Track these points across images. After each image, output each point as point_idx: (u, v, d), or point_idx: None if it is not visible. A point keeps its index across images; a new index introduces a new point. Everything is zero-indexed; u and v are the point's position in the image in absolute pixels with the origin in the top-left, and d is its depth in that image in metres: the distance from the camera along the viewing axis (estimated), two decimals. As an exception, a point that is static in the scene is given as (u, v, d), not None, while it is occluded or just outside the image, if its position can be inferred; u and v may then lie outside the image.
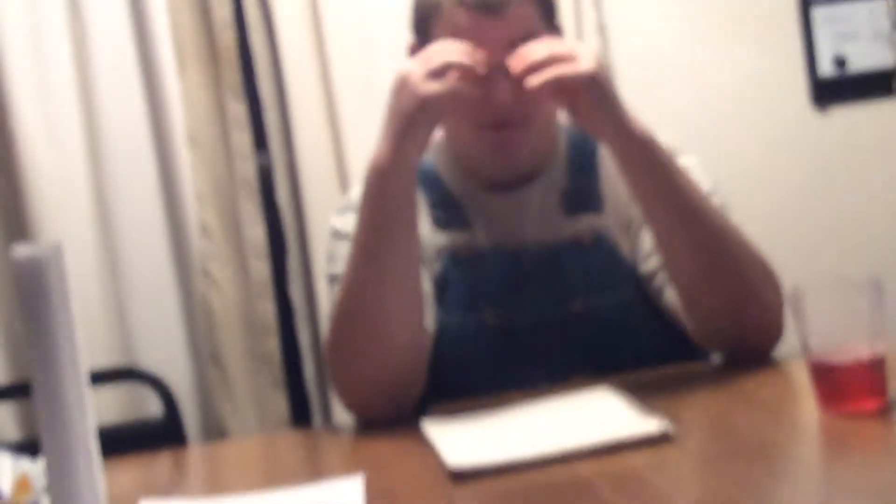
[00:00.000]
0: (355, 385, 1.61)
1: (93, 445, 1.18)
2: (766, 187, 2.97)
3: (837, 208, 2.98)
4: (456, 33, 1.61)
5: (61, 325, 1.14)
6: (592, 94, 1.54)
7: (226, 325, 2.73)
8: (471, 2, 1.61)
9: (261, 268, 2.76)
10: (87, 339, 2.64)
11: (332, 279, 1.72)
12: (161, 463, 1.68)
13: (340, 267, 1.68)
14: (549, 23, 1.69)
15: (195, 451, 1.87)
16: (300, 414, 2.83)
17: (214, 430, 2.75)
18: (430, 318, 1.65)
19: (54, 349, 1.14)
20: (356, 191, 1.80)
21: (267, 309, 2.76)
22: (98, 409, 2.58)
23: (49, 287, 1.13)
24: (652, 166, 1.58)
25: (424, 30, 1.69)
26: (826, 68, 2.95)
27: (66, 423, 1.16)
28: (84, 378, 1.17)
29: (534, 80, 1.52)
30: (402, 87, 1.55)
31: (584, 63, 1.52)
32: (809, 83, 2.96)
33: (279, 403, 2.77)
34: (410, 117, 1.53)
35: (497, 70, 1.59)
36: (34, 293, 1.13)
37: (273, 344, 2.76)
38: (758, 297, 1.60)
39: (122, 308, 2.71)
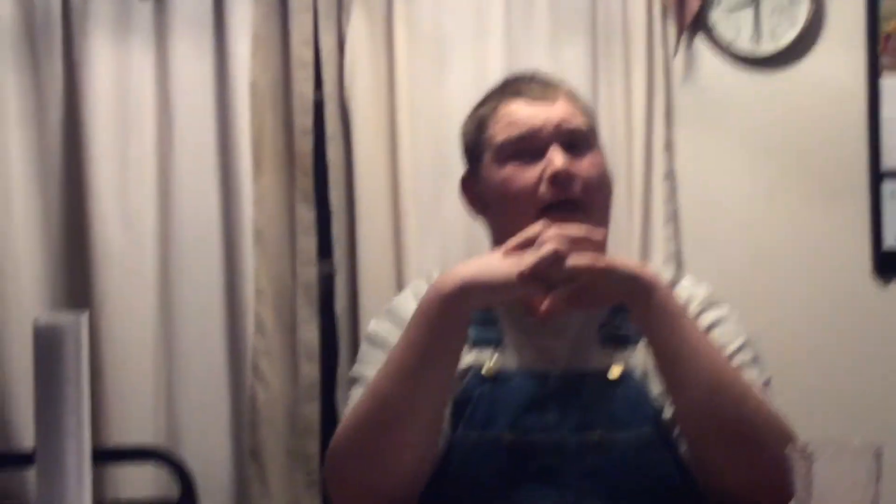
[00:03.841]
0: (353, 492, 1.64)
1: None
2: (822, 354, 2.96)
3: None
4: (512, 122, 1.77)
5: (71, 396, 1.19)
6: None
7: (269, 423, 2.78)
8: (525, 91, 1.79)
9: (311, 370, 2.81)
10: (135, 417, 2.73)
11: (354, 381, 1.77)
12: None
13: (365, 370, 1.73)
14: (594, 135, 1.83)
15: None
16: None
17: (248, 526, 2.79)
18: (441, 439, 1.69)
19: (60, 419, 1.18)
20: (399, 298, 1.86)
21: (312, 411, 2.81)
22: (123, 485, 2.62)
23: (64, 357, 1.18)
24: (663, 332, 1.63)
25: (477, 146, 1.83)
26: (892, 241, 2.96)
27: (63, 494, 1.20)
28: (86, 451, 1.21)
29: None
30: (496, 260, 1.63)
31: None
32: (873, 254, 2.97)
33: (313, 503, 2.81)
34: (495, 282, 1.60)
35: (551, 141, 1.74)
36: (48, 361, 1.18)
37: (314, 446, 2.80)
38: (769, 463, 1.56)
39: (173, 391, 2.78)
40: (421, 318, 1.62)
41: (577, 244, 1.60)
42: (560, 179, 1.73)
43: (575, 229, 1.63)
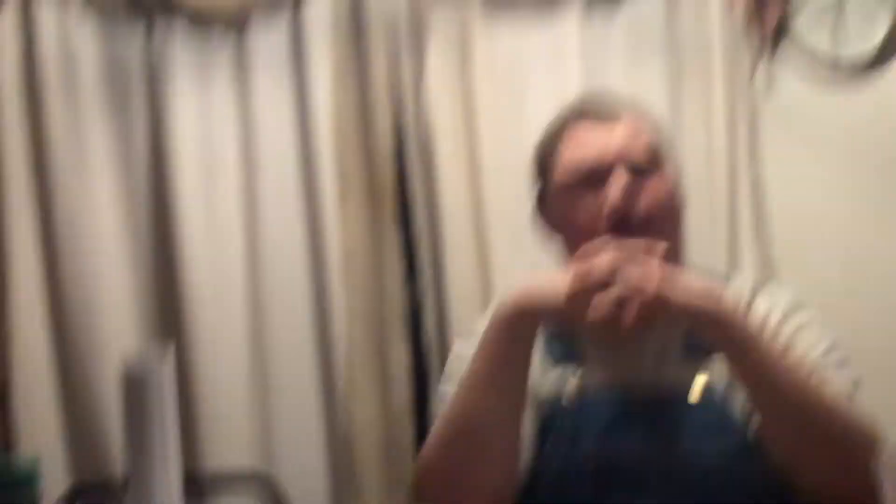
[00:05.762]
0: None
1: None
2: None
3: None
4: (574, 149, 1.79)
5: (157, 435, 1.23)
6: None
7: (363, 446, 2.81)
8: (588, 114, 1.82)
9: (402, 394, 2.84)
10: (230, 442, 2.77)
11: (439, 399, 1.80)
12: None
13: (448, 389, 1.77)
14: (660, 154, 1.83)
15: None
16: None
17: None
18: (521, 461, 1.70)
19: (148, 457, 1.22)
20: (482, 319, 1.88)
21: (405, 434, 2.84)
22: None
23: (150, 400, 1.22)
24: (743, 363, 1.64)
25: (546, 170, 1.86)
26: None
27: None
28: (177, 486, 1.25)
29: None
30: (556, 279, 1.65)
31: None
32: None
33: (412, 525, 2.83)
34: (547, 303, 1.65)
35: (614, 167, 1.76)
36: (135, 402, 1.23)
37: (407, 469, 2.83)
38: (861, 473, 1.56)
39: (266, 417, 2.82)
40: (484, 340, 1.69)
41: (635, 260, 1.62)
42: (616, 216, 1.75)
43: (633, 244, 1.64)
